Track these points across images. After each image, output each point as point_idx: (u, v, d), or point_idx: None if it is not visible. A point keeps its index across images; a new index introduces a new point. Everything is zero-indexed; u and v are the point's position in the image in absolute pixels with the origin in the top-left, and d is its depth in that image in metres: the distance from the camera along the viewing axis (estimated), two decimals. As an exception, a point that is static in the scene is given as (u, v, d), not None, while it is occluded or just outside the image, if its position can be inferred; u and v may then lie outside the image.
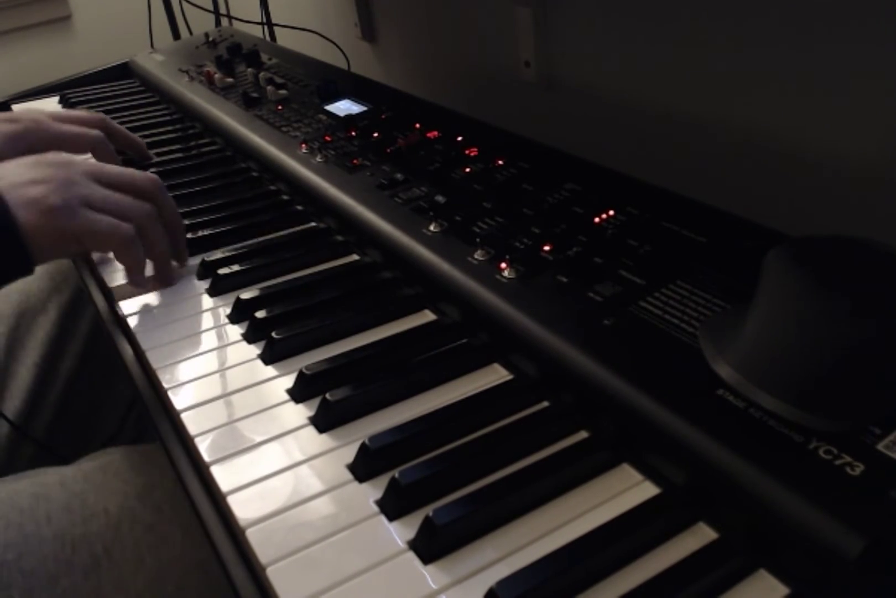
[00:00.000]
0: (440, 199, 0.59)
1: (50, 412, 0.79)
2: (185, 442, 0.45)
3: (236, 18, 1.47)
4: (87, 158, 0.58)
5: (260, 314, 0.52)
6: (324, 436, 0.43)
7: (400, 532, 0.36)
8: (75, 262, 0.69)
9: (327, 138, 0.74)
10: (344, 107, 0.82)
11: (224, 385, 0.48)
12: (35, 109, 0.77)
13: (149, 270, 0.59)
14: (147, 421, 0.48)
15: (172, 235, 0.60)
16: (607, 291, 0.46)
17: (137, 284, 0.58)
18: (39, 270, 0.52)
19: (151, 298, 0.59)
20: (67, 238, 0.52)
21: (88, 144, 0.75)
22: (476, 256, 0.51)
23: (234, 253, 0.62)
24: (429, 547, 0.35)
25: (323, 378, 0.46)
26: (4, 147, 0.69)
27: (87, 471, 0.58)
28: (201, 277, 0.61)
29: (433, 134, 0.71)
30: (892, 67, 0.57)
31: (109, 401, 0.83)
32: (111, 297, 0.60)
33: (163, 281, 0.60)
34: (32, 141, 0.71)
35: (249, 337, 0.52)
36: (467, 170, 0.63)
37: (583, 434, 0.42)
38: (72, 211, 0.50)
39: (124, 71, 1.18)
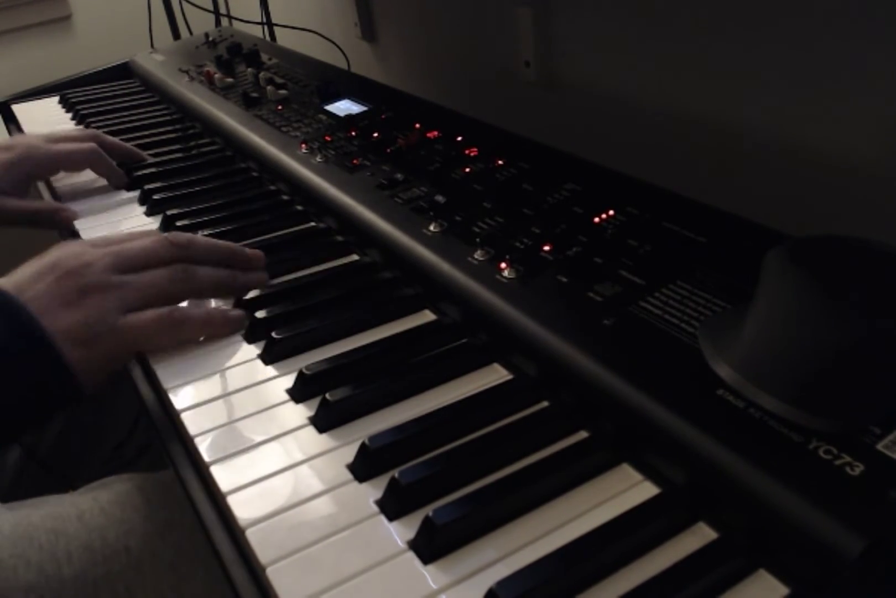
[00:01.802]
0: (440, 199, 0.59)
1: (61, 421, 0.79)
2: (186, 443, 0.45)
3: (236, 18, 1.47)
4: (102, 251, 0.50)
5: (260, 314, 0.52)
6: (324, 436, 0.43)
7: (400, 532, 0.36)
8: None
9: (327, 138, 0.74)
10: (344, 107, 0.82)
11: (224, 385, 0.48)
12: (27, 134, 0.77)
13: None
14: (152, 426, 0.48)
15: (236, 261, 0.56)
16: (607, 291, 0.46)
17: (222, 334, 0.52)
18: None
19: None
20: (118, 356, 0.49)
21: (85, 160, 0.76)
22: (476, 256, 0.51)
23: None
24: (429, 547, 0.35)
25: (323, 378, 0.46)
26: (5, 180, 0.70)
27: (103, 504, 0.57)
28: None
29: (433, 134, 0.71)
30: (893, 67, 0.57)
31: (119, 408, 0.83)
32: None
33: (254, 288, 0.55)
34: (30, 166, 0.73)
35: (249, 337, 0.52)
36: (467, 170, 0.63)
37: (583, 434, 0.42)
38: (113, 330, 0.46)
39: (124, 71, 1.18)
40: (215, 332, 0.52)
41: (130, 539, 0.54)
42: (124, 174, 0.79)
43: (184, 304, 0.53)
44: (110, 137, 0.80)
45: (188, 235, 0.55)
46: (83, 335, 0.45)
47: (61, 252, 0.49)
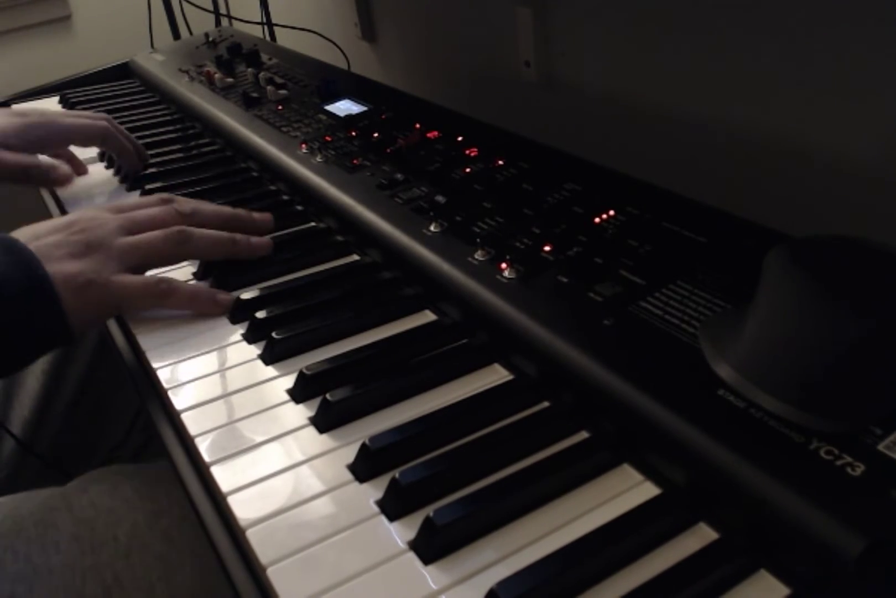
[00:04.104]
0: (440, 199, 0.59)
1: (57, 421, 0.79)
2: (186, 443, 0.45)
3: (236, 18, 1.47)
4: (115, 216, 0.56)
5: (260, 314, 0.52)
6: (324, 436, 0.43)
7: (400, 533, 0.36)
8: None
9: (327, 138, 0.74)
10: (344, 107, 0.82)
11: (224, 385, 0.48)
12: (40, 106, 0.78)
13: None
14: (150, 425, 0.48)
15: (241, 226, 0.61)
16: (607, 291, 0.46)
17: (207, 311, 0.56)
18: None
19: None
20: (106, 309, 0.53)
21: (97, 136, 0.76)
22: (476, 256, 0.51)
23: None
24: (429, 547, 0.35)
25: (323, 378, 0.46)
26: (15, 139, 0.70)
27: (92, 496, 0.57)
28: (201, 277, 0.60)
29: (433, 134, 0.71)
30: (893, 67, 0.57)
31: (117, 408, 0.83)
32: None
33: (255, 252, 0.59)
34: (42, 134, 0.73)
35: (249, 337, 0.52)
36: (467, 170, 0.63)
37: (583, 434, 0.42)
38: (106, 284, 0.51)
39: (124, 71, 1.18)
40: (200, 309, 0.55)
41: (119, 529, 0.54)
42: (136, 155, 0.79)
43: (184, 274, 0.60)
44: (118, 125, 0.80)
45: (194, 202, 0.60)
46: (80, 284, 0.49)
47: (81, 214, 0.56)
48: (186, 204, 0.59)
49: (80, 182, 0.82)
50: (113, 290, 0.51)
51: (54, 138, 0.76)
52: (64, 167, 0.74)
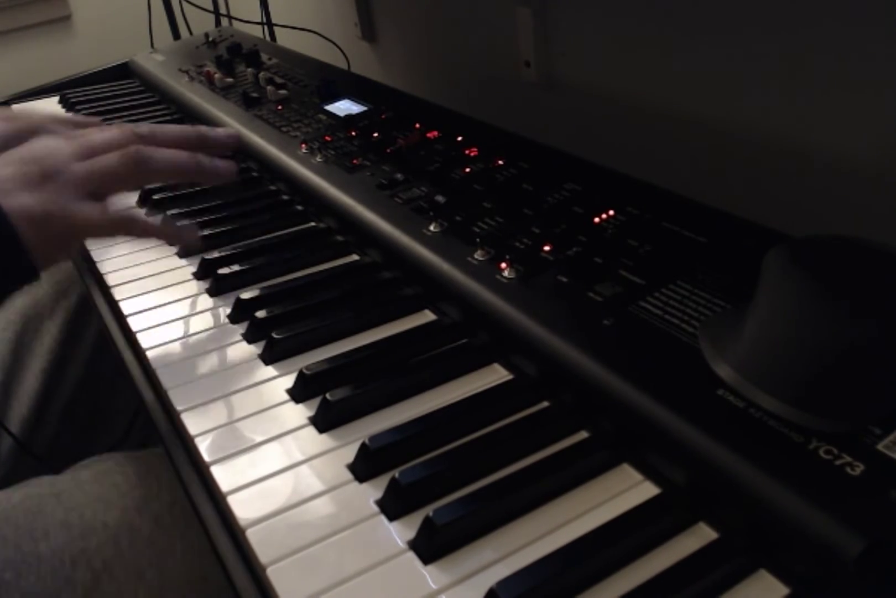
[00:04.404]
0: (440, 199, 0.59)
1: (55, 420, 0.79)
2: (187, 443, 0.45)
3: (236, 18, 1.47)
4: (69, 142, 0.53)
5: (260, 314, 0.52)
6: (324, 436, 0.43)
7: (400, 532, 0.36)
8: (77, 264, 0.69)
9: (327, 138, 0.74)
10: (344, 107, 0.82)
11: (224, 385, 0.48)
12: (33, 109, 0.77)
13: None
14: (149, 425, 0.48)
15: (207, 145, 0.58)
16: (607, 291, 0.46)
17: (178, 241, 0.55)
18: (45, 275, 0.50)
19: (152, 298, 0.59)
20: (68, 241, 0.51)
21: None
22: (476, 256, 0.51)
23: (233, 253, 0.62)
24: (429, 547, 0.35)
25: (323, 378, 0.46)
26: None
27: (81, 482, 0.57)
28: (201, 277, 0.61)
29: (433, 134, 0.71)
30: (893, 67, 0.57)
31: (116, 408, 0.83)
32: (113, 299, 0.60)
33: (220, 174, 0.56)
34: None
35: (249, 337, 0.52)
36: (467, 170, 0.63)
37: (583, 434, 0.42)
38: (65, 214, 0.48)
39: (124, 71, 1.18)
40: (167, 240, 0.56)
41: (108, 515, 0.54)
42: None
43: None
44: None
45: (153, 125, 0.56)
46: (38, 217, 0.47)
47: (32, 143, 0.52)
48: (144, 126, 0.56)
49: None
50: (73, 221, 0.49)
51: None
52: None
